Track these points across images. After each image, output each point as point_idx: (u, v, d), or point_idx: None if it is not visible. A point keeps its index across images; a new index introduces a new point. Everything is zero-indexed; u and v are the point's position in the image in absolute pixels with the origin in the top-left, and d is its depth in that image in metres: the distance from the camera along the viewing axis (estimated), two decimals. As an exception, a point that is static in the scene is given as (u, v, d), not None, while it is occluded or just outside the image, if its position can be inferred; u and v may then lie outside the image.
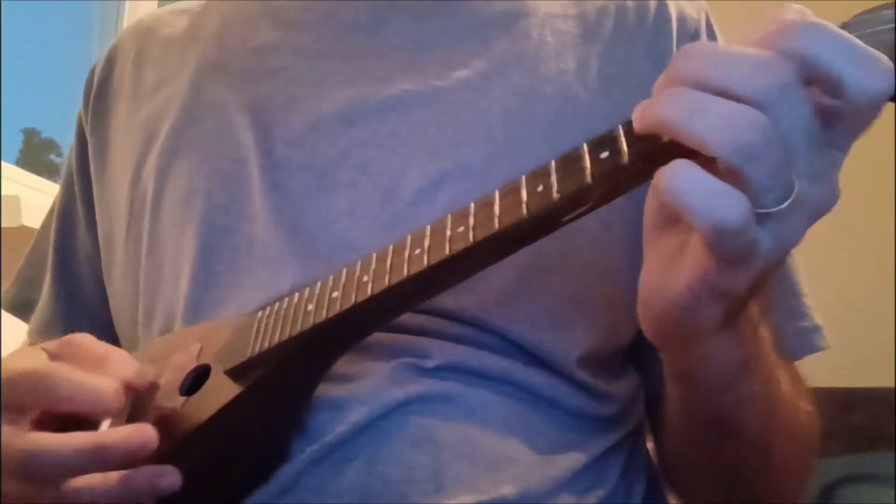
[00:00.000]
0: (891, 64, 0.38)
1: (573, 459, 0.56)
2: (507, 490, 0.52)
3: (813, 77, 0.38)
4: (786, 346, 0.65)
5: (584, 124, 0.61)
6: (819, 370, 0.66)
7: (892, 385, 1.53)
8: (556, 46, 0.65)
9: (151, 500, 0.47)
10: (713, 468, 0.60)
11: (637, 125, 0.40)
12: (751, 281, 0.42)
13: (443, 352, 0.55)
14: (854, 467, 1.42)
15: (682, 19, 0.67)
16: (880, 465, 1.42)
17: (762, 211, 0.38)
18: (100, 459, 0.46)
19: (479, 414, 0.55)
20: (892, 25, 0.41)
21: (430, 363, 0.55)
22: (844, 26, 0.42)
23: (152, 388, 0.53)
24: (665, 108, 0.38)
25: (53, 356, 0.51)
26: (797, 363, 0.66)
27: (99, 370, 0.50)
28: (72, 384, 0.48)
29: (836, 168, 0.40)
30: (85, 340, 0.53)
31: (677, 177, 0.37)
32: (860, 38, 0.40)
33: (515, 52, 0.64)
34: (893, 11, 0.41)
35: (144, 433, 0.47)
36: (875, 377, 1.57)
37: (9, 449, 0.47)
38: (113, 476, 0.47)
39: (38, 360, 0.50)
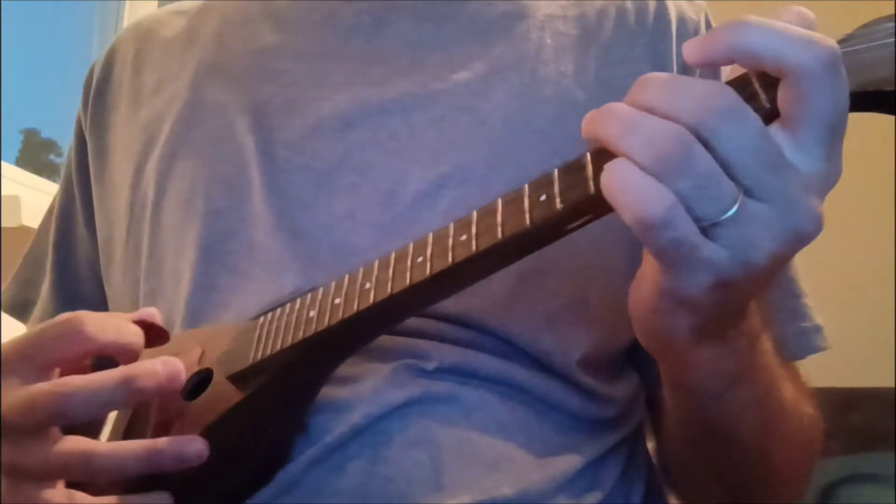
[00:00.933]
0: (827, 40, 0.40)
1: (572, 460, 0.56)
2: (507, 490, 0.52)
3: (756, 65, 0.40)
4: (787, 347, 0.66)
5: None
6: (819, 370, 0.66)
7: (892, 385, 1.53)
8: (556, 48, 0.65)
9: (177, 466, 0.47)
10: (709, 471, 0.61)
11: (583, 133, 0.43)
12: (710, 291, 0.42)
13: (443, 354, 0.55)
14: (854, 467, 1.42)
15: (681, 20, 0.67)
16: (880, 465, 1.42)
17: (701, 223, 0.40)
18: (130, 391, 0.46)
19: (478, 415, 0.55)
20: (894, 39, 0.41)
21: (431, 365, 0.55)
22: (846, 39, 0.42)
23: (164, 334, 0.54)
24: (601, 124, 0.41)
25: None
26: (798, 364, 0.66)
27: None
28: (98, 320, 0.49)
29: (804, 188, 0.40)
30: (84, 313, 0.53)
31: (609, 173, 0.40)
32: (861, 51, 0.41)
33: (515, 55, 0.64)
34: (894, 24, 0.41)
35: (173, 366, 0.48)
36: (875, 377, 1.57)
37: (40, 395, 0.46)
38: (138, 444, 0.47)
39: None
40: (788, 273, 0.67)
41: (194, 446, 0.47)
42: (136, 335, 0.51)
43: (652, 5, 0.67)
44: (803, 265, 0.67)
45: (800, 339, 0.66)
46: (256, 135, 0.63)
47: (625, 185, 0.39)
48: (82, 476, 0.47)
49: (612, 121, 0.41)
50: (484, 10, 0.67)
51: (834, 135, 0.40)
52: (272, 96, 0.65)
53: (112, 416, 0.51)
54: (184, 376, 0.48)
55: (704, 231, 0.40)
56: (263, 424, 0.52)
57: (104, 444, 0.47)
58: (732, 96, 0.39)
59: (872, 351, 1.61)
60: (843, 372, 1.27)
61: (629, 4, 0.67)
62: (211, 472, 0.51)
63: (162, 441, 0.47)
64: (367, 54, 0.65)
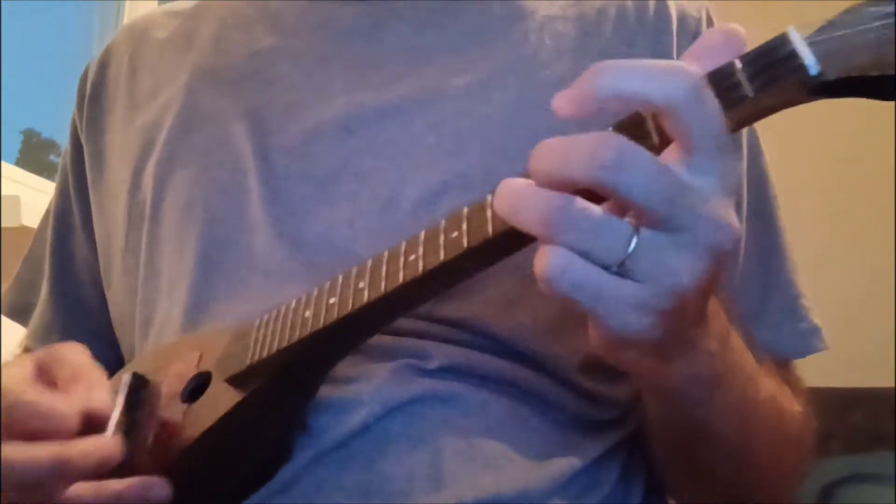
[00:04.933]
0: (684, 69, 0.40)
1: (571, 461, 0.56)
2: (506, 490, 0.52)
3: (626, 108, 0.41)
4: (784, 348, 0.66)
5: (582, 129, 0.61)
6: (819, 370, 0.66)
7: (892, 385, 1.53)
8: (555, 50, 0.65)
9: None
10: (694, 471, 0.60)
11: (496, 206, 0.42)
12: (651, 326, 0.41)
13: (444, 353, 0.56)
14: (854, 467, 1.42)
15: (682, 19, 0.67)
16: (880, 465, 1.42)
17: (607, 266, 0.39)
18: (62, 473, 0.47)
19: (479, 415, 0.55)
20: (879, 23, 0.40)
21: (432, 364, 0.55)
22: (830, 24, 0.42)
23: (106, 417, 0.53)
24: (499, 201, 0.42)
25: (39, 365, 0.53)
26: (797, 364, 0.66)
27: (67, 388, 0.51)
28: (29, 407, 0.49)
29: (710, 206, 0.40)
30: (67, 353, 0.54)
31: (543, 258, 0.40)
32: (845, 36, 0.40)
33: (514, 58, 0.64)
34: (886, 9, 0.41)
35: (106, 448, 0.48)
36: (875, 377, 1.57)
37: None
38: (103, 489, 0.48)
39: (11, 379, 0.51)
40: (786, 274, 0.67)
41: (157, 490, 0.48)
42: (64, 423, 0.50)
43: (652, 4, 0.67)
44: (804, 265, 0.67)
45: (798, 340, 0.66)
46: (254, 141, 0.63)
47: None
48: None
49: (503, 198, 0.41)
50: (482, 13, 0.66)
51: (722, 150, 0.40)
52: (269, 101, 0.64)
53: (114, 418, 0.51)
54: (119, 456, 0.49)
55: (619, 273, 0.40)
56: (262, 425, 0.52)
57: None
58: (618, 144, 0.39)
59: (872, 351, 1.61)
60: (843, 372, 1.27)
61: (629, 4, 0.67)
62: (211, 473, 0.51)
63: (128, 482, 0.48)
64: (365, 58, 0.65)
